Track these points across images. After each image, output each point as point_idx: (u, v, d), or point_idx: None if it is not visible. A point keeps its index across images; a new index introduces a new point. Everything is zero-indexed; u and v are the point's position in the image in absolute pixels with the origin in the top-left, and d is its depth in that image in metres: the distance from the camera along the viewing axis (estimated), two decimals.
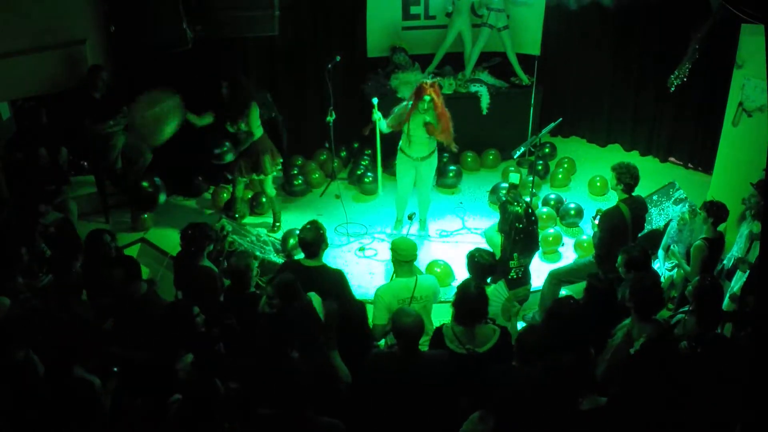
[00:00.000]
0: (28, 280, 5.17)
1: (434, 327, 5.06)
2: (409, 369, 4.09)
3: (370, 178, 8.42)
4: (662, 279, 5.96)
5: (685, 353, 4.19)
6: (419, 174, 7.25)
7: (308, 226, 5.21)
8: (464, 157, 8.94)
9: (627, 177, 5.87)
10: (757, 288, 4.72)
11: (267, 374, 3.77)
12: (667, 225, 6.64)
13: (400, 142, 7.15)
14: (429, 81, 6.94)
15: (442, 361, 4.18)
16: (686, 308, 5.01)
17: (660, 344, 4.11)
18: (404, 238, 5.32)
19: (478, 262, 5.07)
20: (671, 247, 6.15)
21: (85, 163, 7.92)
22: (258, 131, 7.21)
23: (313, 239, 5.12)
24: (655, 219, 6.85)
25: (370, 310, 5.28)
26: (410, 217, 6.85)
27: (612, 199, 7.84)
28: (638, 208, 5.94)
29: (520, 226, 5.45)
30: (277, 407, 3.61)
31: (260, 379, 3.89)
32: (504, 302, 5.39)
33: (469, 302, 4.33)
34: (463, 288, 4.44)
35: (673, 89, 7.66)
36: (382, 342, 5.09)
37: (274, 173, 7.52)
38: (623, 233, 5.68)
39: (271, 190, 7.58)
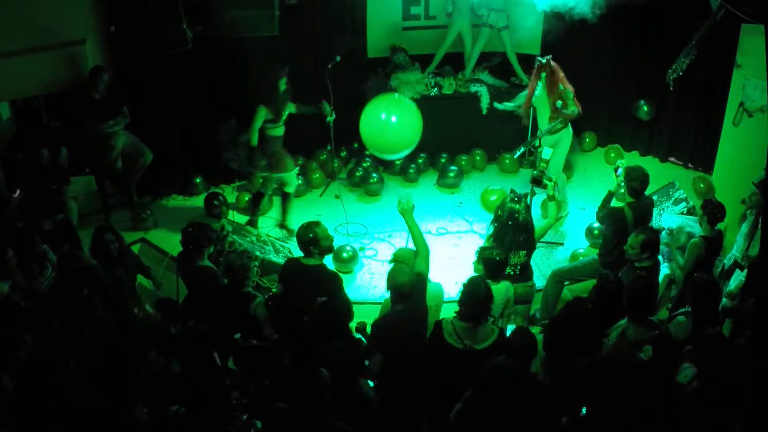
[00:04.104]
0: (28, 280, 5.18)
1: None
2: (410, 317, 4.45)
3: (375, 179, 8.42)
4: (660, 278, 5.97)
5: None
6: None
7: (305, 225, 5.29)
8: (458, 160, 8.95)
9: (629, 179, 5.91)
10: (757, 288, 4.72)
11: (287, 373, 3.77)
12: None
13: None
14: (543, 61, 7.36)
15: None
16: (684, 309, 5.02)
17: (668, 345, 4.11)
18: (399, 269, 4.95)
19: (488, 258, 5.10)
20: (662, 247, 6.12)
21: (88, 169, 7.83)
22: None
23: (305, 238, 5.17)
24: (655, 219, 6.84)
25: (366, 310, 5.31)
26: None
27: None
28: (643, 213, 5.94)
29: (499, 214, 5.62)
30: (292, 404, 3.63)
31: (281, 377, 3.90)
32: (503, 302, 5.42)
33: (478, 300, 4.39)
34: (472, 285, 4.46)
35: (672, 85, 7.66)
36: None
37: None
38: (626, 234, 5.69)
39: (291, 187, 7.58)
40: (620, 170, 6.19)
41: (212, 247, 5.59)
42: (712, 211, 5.74)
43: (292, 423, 3.59)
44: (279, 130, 7.20)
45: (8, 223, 5.96)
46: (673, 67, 7.55)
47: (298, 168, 7.60)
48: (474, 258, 5.27)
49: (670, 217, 6.86)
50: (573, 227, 7.82)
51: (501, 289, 5.11)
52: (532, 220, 5.74)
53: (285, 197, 7.64)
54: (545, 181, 6.04)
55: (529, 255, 5.73)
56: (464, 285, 4.52)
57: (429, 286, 5.10)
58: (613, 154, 8.98)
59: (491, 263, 5.10)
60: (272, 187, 7.57)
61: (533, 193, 6.40)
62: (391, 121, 7.10)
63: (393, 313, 4.55)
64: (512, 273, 5.57)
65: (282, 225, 7.71)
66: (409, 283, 4.47)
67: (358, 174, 8.58)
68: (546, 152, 6.52)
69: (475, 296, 4.39)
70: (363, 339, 4.73)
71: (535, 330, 5.57)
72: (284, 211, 7.70)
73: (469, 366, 4.13)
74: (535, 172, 6.34)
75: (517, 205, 5.57)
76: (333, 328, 4.44)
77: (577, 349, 4.14)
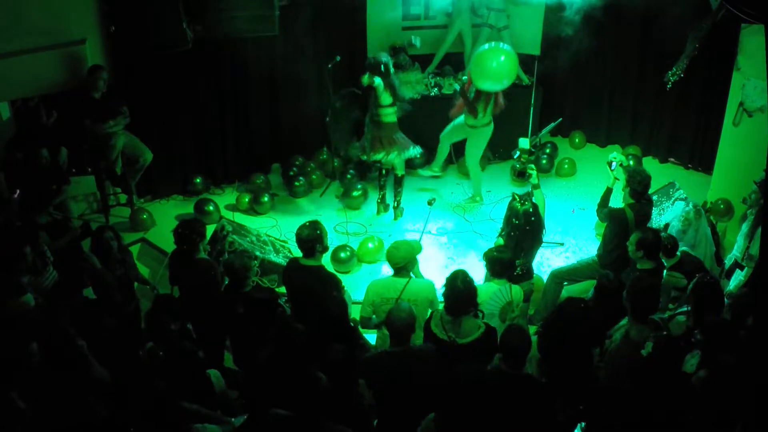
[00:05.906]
0: (32, 278, 5.17)
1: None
2: (402, 363, 4.17)
3: (359, 191, 8.23)
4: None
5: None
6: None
7: (307, 224, 5.24)
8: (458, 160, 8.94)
9: (634, 183, 5.89)
10: (757, 287, 4.72)
11: (285, 379, 3.75)
12: (666, 227, 6.64)
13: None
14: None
15: (431, 354, 4.27)
16: (684, 309, 5.02)
17: (671, 345, 4.11)
18: (397, 245, 5.18)
19: (496, 257, 5.10)
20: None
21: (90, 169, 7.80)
22: None
23: (308, 237, 5.14)
24: (655, 219, 6.84)
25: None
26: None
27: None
28: (643, 214, 5.94)
29: (516, 222, 5.55)
30: (292, 410, 3.60)
31: (278, 383, 3.87)
32: (504, 305, 5.40)
33: (455, 294, 4.39)
34: (451, 280, 4.47)
35: (669, 86, 7.65)
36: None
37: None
38: (626, 236, 5.70)
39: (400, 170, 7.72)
40: (614, 164, 6.17)
41: (206, 239, 5.57)
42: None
43: (293, 429, 3.57)
44: (394, 116, 7.39)
45: (8, 222, 5.96)
46: (674, 69, 7.54)
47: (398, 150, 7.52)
48: (483, 263, 5.25)
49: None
50: (574, 227, 7.82)
51: (518, 291, 5.07)
52: (540, 216, 5.73)
53: (396, 180, 7.77)
54: (529, 171, 5.99)
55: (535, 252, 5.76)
56: (445, 280, 4.53)
57: (419, 282, 5.12)
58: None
59: (500, 264, 5.08)
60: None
61: (532, 194, 6.32)
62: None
63: (385, 353, 4.39)
64: (519, 272, 5.57)
65: (395, 207, 7.90)
66: (405, 319, 4.24)
67: (348, 177, 8.50)
68: (523, 142, 6.51)
69: (451, 289, 4.40)
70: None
71: (533, 329, 5.57)
72: (395, 193, 7.84)
73: (452, 359, 4.16)
74: (517, 165, 6.31)
75: (528, 205, 5.56)
76: (335, 327, 4.43)
77: (570, 350, 4.13)
